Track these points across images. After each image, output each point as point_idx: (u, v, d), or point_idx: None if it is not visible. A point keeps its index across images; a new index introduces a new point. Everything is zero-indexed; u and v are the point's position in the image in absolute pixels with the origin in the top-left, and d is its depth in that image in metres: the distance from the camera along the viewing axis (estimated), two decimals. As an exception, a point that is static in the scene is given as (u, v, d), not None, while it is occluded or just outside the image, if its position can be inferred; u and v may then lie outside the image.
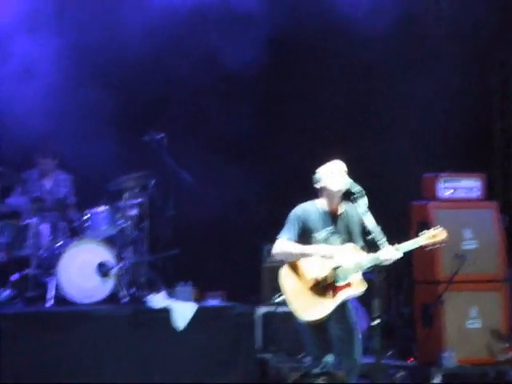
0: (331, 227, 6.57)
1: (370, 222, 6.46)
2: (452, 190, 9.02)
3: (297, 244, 6.47)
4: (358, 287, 6.48)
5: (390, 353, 9.15)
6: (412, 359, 9.01)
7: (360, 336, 6.55)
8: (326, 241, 6.53)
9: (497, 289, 8.94)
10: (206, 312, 8.33)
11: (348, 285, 6.46)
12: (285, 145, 10.36)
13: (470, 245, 8.91)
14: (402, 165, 10.55)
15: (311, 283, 6.46)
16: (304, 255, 6.42)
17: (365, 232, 6.53)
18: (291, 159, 10.31)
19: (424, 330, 8.85)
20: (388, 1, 9.97)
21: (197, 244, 9.93)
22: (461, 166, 9.52)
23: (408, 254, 6.77)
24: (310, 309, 6.40)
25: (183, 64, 9.70)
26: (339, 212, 6.62)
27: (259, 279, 8.74)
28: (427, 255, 8.23)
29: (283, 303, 6.57)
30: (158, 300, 8.37)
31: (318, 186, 6.64)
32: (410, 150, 10.72)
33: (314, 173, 6.69)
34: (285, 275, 6.51)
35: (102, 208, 8.72)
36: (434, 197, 9.03)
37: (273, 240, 6.58)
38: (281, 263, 6.58)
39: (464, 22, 10.71)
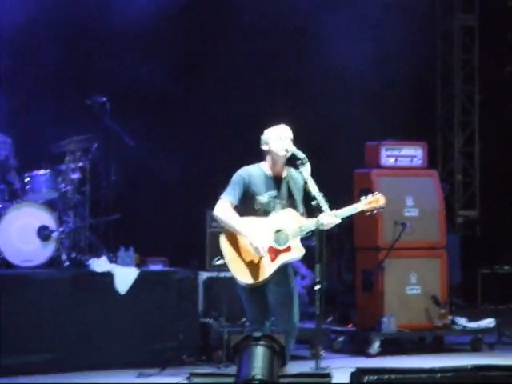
0: (274, 191, 6.57)
1: (313, 188, 6.47)
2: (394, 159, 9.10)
3: (234, 214, 6.46)
4: (297, 252, 6.50)
5: (330, 318, 9.24)
6: (351, 325, 9.10)
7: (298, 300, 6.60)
8: (268, 205, 6.53)
9: (436, 256, 9.06)
10: (149, 276, 8.30)
11: (288, 249, 6.48)
12: (224, 112, 10.34)
13: (411, 212, 9.00)
14: (346, 133, 10.60)
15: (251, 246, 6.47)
16: (235, 231, 6.43)
17: (308, 198, 6.55)
18: (229, 125, 10.29)
19: (364, 296, 8.93)
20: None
21: (139, 209, 9.87)
22: (404, 135, 9.59)
23: (349, 221, 6.81)
24: (250, 272, 6.40)
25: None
26: (283, 176, 6.63)
27: (202, 244, 8.73)
28: (368, 222, 8.29)
29: (223, 266, 6.57)
30: (99, 264, 8.32)
31: (263, 148, 6.64)
32: (354, 118, 10.76)
33: (256, 137, 6.68)
34: (225, 238, 6.50)
35: (42, 171, 8.61)
36: (376, 165, 9.09)
37: (215, 203, 6.56)
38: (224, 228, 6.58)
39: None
